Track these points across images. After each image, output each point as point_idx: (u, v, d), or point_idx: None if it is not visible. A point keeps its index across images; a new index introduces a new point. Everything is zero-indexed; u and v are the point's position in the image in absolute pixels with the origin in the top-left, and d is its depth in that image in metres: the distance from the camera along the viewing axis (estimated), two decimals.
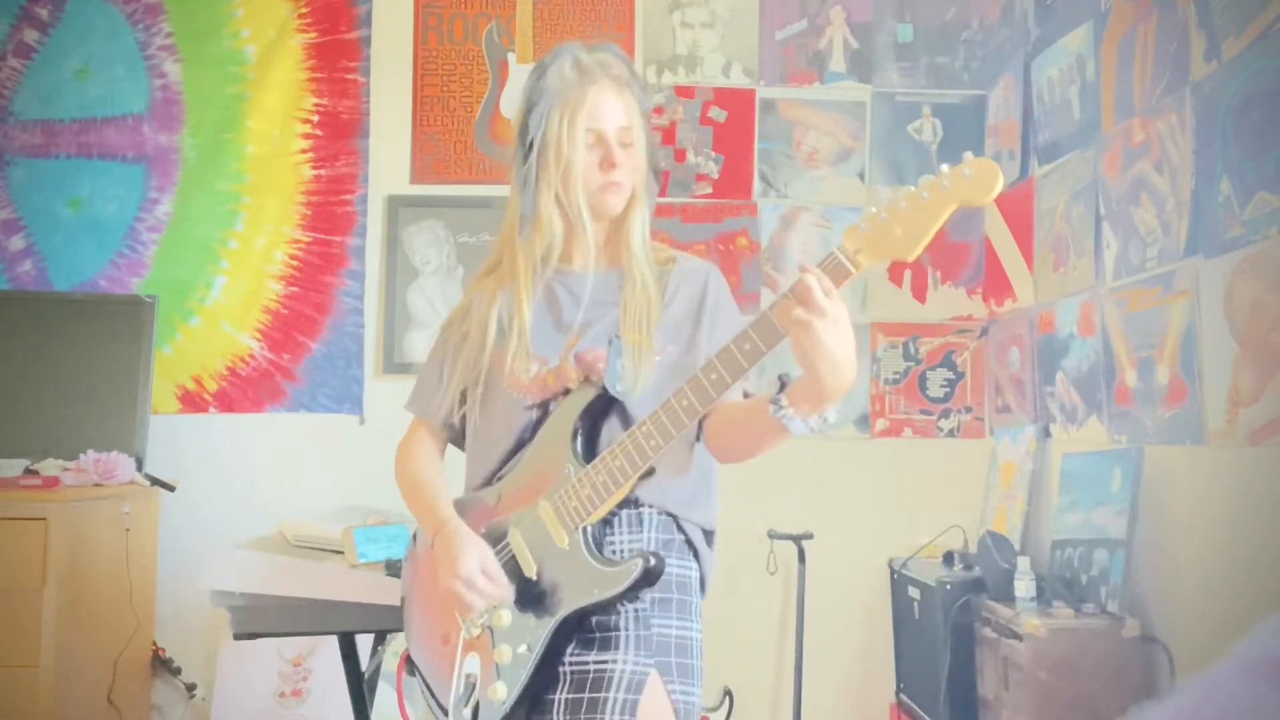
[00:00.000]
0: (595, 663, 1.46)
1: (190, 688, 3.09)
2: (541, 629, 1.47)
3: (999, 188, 1.26)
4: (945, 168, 1.28)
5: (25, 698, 2.51)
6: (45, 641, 2.55)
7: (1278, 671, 0.50)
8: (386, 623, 2.03)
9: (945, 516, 3.04)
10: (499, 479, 1.61)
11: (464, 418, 1.68)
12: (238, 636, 2.09)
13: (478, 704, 1.48)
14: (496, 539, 1.55)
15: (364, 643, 2.37)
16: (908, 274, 3.33)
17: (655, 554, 1.45)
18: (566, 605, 1.46)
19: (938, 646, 2.64)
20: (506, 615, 1.49)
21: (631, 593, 1.43)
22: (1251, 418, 2.03)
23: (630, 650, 1.46)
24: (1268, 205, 1.98)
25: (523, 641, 1.47)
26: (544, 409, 1.58)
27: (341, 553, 2.16)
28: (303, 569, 2.08)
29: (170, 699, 3.13)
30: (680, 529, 1.58)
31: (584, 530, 1.47)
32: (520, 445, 1.59)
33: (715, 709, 2.92)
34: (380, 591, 2.03)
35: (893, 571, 3.09)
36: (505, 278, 1.66)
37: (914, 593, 2.88)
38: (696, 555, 1.60)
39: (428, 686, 1.60)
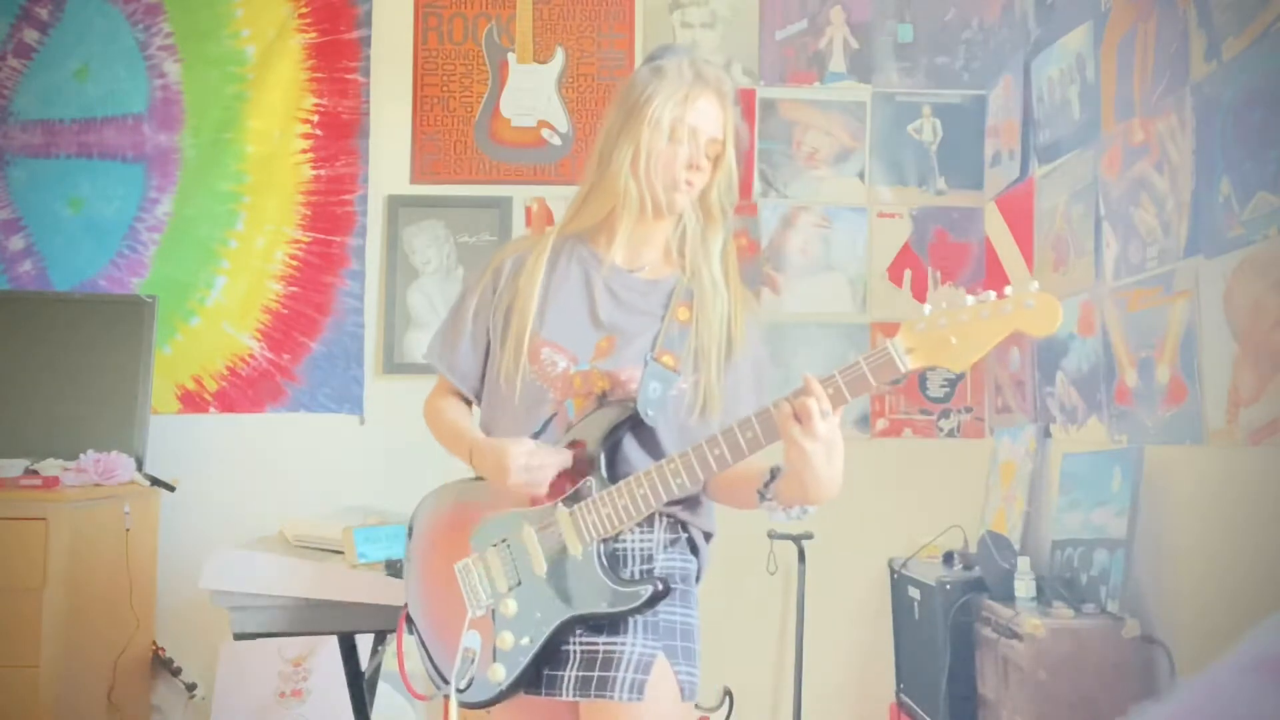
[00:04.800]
0: (605, 644, 1.52)
1: (190, 688, 3.09)
2: (545, 626, 1.52)
3: (1058, 326, 1.32)
4: (1010, 291, 1.31)
5: (25, 698, 2.51)
6: (45, 641, 2.55)
7: (1278, 671, 0.50)
8: (386, 623, 2.03)
9: (945, 516, 3.04)
10: None
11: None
12: (238, 636, 2.09)
13: (473, 679, 1.53)
14: (503, 531, 1.57)
15: (364, 643, 2.37)
16: (908, 274, 3.33)
17: (663, 579, 1.52)
18: (572, 609, 1.51)
19: (938, 646, 2.64)
20: (513, 605, 1.53)
21: (637, 612, 1.50)
22: (1251, 418, 2.03)
23: (639, 634, 1.52)
24: (1268, 205, 1.98)
25: (526, 634, 1.52)
26: (561, 405, 1.61)
27: (341, 553, 2.16)
28: (303, 569, 2.08)
29: (170, 699, 3.13)
30: (684, 528, 1.65)
31: (598, 545, 1.51)
32: (535, 437, 1.61)
33: (715, 709, 2.92)
34: (380, 591, 2.03)
35: (893, 571, 3.09)
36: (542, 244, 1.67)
37: (914, 593, 2.88)
38: (696, 552, 1.67)
39: (425, 647, 1.64)
